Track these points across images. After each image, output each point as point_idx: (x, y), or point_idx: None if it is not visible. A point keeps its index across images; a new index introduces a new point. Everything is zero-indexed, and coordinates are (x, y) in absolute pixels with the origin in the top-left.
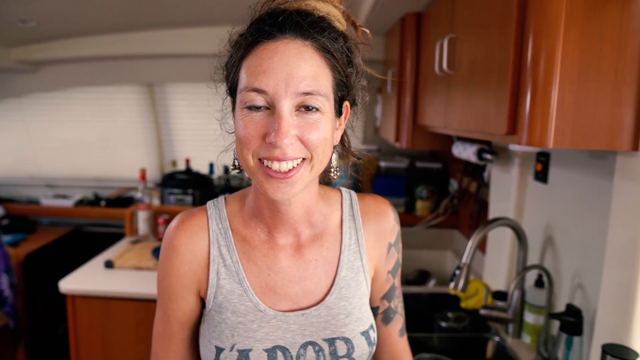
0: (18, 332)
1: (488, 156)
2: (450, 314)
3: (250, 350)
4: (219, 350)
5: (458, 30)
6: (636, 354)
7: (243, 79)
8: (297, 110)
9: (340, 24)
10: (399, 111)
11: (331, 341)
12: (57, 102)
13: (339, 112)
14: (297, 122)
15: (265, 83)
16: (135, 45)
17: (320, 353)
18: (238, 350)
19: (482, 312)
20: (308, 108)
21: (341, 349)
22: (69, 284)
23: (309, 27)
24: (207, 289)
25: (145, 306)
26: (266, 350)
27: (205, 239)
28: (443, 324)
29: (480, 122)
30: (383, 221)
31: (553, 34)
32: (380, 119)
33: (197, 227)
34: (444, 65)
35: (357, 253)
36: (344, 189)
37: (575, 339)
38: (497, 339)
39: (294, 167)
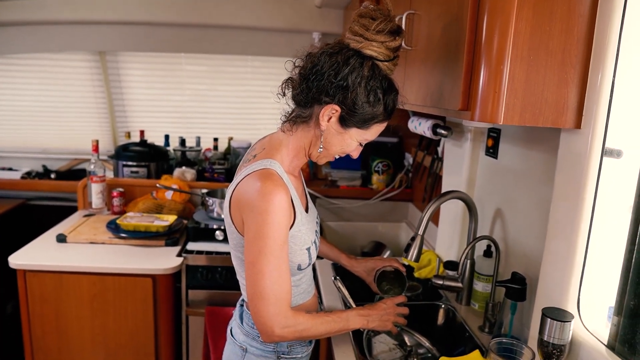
0: None
1: (442, 131)
2: None
3: (314, 239)
4: (308, 248)
5: (417, 5)
6: (572, 316)
7: (373, 130)
8: None
9: None
10: None
11: (317, 223)
12: None
13: None
14: None
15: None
16: (86, 10)
17: (318, 230)
18: (314, 242)
19: (434, 281)
20: None
21: (318, 226)
22: (19, 259)
23: None
24: (294, 220)
25: (101, 279)
26: (316, 236)
27: (287, 188)
28: None
29: (435, 98)
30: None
31: (506, 11)
32: None
33: (285, 183)
34: None
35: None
36: None
37: (519, 305)
38: (448, 306)
39: None
